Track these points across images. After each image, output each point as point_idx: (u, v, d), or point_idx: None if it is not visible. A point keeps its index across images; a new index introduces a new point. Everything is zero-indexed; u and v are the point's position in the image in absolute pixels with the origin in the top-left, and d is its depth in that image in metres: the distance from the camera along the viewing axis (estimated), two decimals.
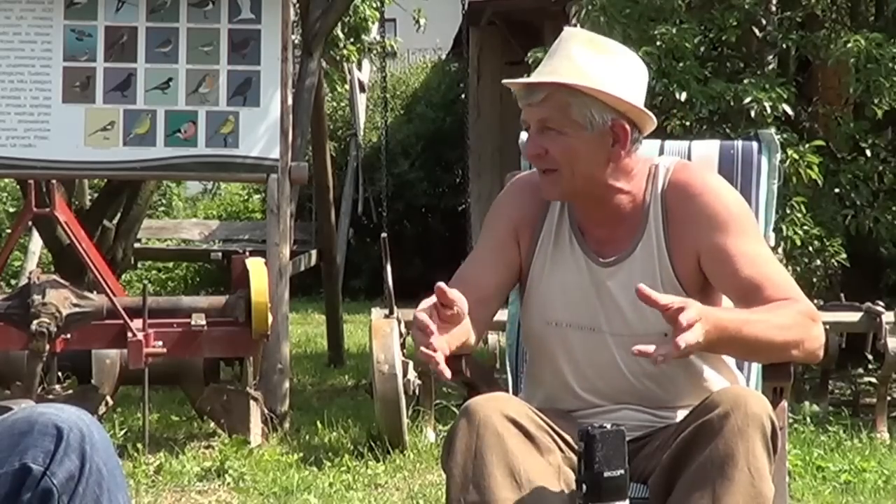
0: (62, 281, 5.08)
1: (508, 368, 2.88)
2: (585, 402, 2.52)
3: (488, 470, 2.23)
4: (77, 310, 5.01)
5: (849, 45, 6.05)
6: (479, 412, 2.29)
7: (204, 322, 5.14)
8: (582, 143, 2.45)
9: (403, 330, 5.36)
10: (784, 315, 2.33)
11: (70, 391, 5.13)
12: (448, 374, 2.25)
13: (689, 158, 2.85)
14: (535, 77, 2.50)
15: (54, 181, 5.44)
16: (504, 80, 2.61)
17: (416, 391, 5.37)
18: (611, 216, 2.50)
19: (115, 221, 8.15)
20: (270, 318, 5.23)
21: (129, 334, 4.98)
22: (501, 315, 3.45)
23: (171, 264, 13.46)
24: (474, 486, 2.23)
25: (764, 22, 6.58)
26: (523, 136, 3.02)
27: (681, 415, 2.43)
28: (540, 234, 2.59)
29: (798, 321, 2.34)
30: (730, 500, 2.17)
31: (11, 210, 12.69)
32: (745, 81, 6.09)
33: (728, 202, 2.48)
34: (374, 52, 11.74)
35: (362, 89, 12.94)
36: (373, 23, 10.60)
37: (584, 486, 2.09)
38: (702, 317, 2.16)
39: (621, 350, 2.45)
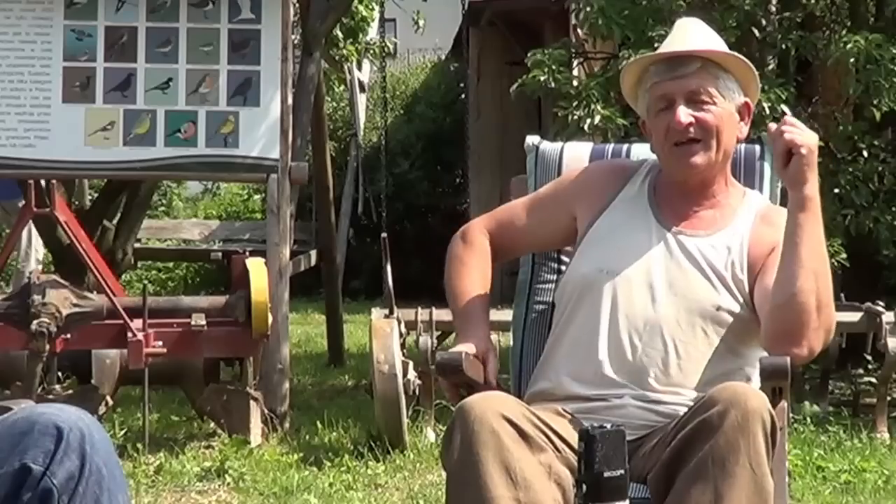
0: (62, 281, 5.08)
1: (511, 368, 2.88)
2: (606, 353, 2.53)
3: (484, 468, 2.24)
4: (77, 310, 5.00)
5: (848, 45, 6.05)
6: (474, 410, 2.31)
7: (204, 322, 5.14)
8: (727, 115, 2.60)
9: (403, 330, 5.37)
10: (825, 292, 2.46)
11: (70, 391, 5.13)
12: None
13: None
14: (689, 47, 2.62)
15: (54, 181, 5.44)
16: (639, 56, 2.79)
17: (416, 391, 5.37)
18: (705, 199, 2.63)
19: (115, 221, 8.15)
20: (270, 318, 5.23)
21: (129, 334, 4.97)
22: (502, 315, 3.45)
23: (171, 264, 13.45)
24: (471, 484, 2.24)
25: (764, 22, 6.58)
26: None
27: (683, 410, 2.43)
28: (613, 200, 2.69)
29: (830, 306, 2.47)
30: (733, 496, 2.17)
31: None
32: None
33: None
34: (373, 52, 11.74)
35: (362, 89, 12.94)
36: (369, 24, 10.59)
37: (584, 486, 2.09)
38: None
39: (666, 307, 2.51)
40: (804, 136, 2.43)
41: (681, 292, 2.52)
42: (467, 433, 2.28)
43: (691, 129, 2.57)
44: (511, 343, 2.91)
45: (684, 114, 2.56)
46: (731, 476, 2.18)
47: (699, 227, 2.62)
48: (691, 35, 2.66)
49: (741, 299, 2.53)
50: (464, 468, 2.26)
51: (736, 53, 2.66)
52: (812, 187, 2.46)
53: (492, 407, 2.32)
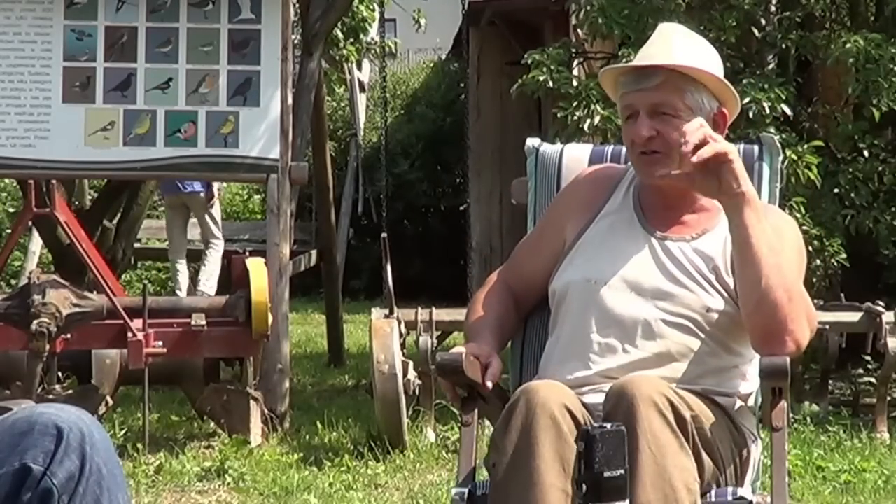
0: (62, 281, 5.08)
1: (511, 372, 2.88)
2: (598, 357, 2.52)
3: (540, 452, 2.25)
4: (77, 310, 5.00)
5: (848, 45, 6.05)
6: (538, 394, 2.32)
7: (204, 322, 5.14)
8: None
9: (403, 330, 5.37)
10: (792, 281, 2.43)
11: (70, 391, 5.13)
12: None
13: None
14: (650, 61, 2.59)
15: (54, 181, 5.45)
16: (609, 67, 2.74)
17: (416, 391, 5.37)
18: (687, 203, 2.61)
19: (115, 221, 8.15)
20: (270, 318, 5.23)
21: (129, 334, 4.98)
22: None
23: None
24: (524, 466, 2.25)
25: (763, 22, 6.58)
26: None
27: None
28: (601, 210, 2.69)
29: (801, 292, 2.44)
30: (638, 484, 2.20)
31: (11, 210, 12.68)
32: (745, 82, 6.09)
33: (786, 221, 2.65)
34: (374, 52, 11.72)
35: (362, 89, 12.94)
36: (370, 23, 10.59)
37: (584, 486, 2.09)
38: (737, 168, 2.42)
39: (655, 312, 2.51)
40: (722, 144, 2.45)
41: (669, 297, 2.52)
42: (529, 416, 2.29)
43: (653, 142, 2.56)
44: (511, 346, 2.91)
45: (645, 127, 2.56)
46: (635, 464, 2.21)
47: (684, 231, 2.61)
48: (664, 45, 2.62)
49: (729, 300, 2.53)
50: (520, 450, 2.27)
51: (702, 68, 2.58)
52: (746, 183, 2.46)
53: (555, 395, 2.33)
